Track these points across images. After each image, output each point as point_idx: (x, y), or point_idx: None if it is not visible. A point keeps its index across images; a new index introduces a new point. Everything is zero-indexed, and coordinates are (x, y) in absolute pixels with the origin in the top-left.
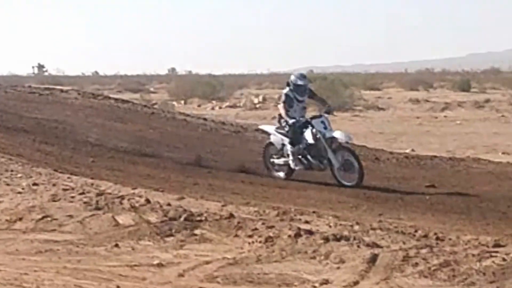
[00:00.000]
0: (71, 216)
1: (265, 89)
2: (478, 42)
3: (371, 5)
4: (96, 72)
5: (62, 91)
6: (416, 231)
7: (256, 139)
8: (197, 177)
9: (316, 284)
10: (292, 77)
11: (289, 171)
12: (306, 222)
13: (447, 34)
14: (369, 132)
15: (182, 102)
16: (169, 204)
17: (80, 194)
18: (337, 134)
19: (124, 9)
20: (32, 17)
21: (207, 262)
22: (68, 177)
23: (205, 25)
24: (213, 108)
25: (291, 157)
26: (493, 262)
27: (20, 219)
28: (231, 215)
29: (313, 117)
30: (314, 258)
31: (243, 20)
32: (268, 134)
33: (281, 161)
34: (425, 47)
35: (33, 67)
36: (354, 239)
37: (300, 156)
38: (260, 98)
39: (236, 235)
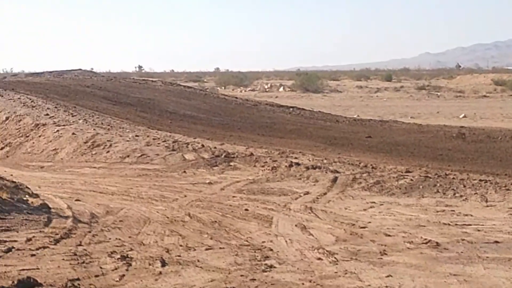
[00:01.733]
0: (158, 155)
1: (271, 80)
2: (397, 50)
3: (326, 26)
4: (172, 70)
5: (152, 81)
6: (360, 163)
7: (265, 109)
8: (232, 132)
9: (302, 194)
10: None
11: None
12: (296, 158)
13: (376, 45)
14: (332, 105)
15: (223, 87)
16: (215, 147)
17: (163, 141)
18: None
19: (192, 27)
20: (136, 31)
21: (238, 182)
22: (156, 132)
23: (240, 35)
24: (241, 91)
25: None
26: (405, 181)
27: (128, 156)
28: (252, 154)
29: None
30: (300, 179)
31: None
32: None
33: None
34: (363, 55)
35: (135, 67)
36: (324, 167)
37: None
38: (269, 85)
39: (255, 166)
